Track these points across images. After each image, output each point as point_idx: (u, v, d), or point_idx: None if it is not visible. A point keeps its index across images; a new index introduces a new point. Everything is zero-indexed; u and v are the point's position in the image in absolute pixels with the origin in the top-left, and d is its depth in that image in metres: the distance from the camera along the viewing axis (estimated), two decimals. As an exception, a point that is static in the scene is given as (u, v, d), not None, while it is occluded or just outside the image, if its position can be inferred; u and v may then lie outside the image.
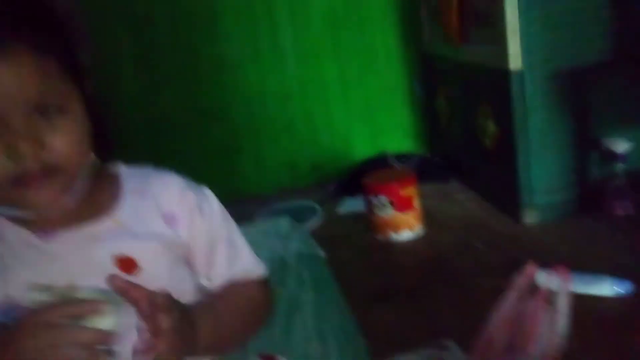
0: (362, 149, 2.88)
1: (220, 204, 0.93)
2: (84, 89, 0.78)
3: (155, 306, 0.70)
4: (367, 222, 2.25)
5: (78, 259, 0.78)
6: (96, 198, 0.82)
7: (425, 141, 2.92)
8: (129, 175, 0.88)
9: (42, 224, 0.78)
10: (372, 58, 2.82)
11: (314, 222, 2.41)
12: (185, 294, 0.82)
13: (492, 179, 2.25)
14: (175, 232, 0.87)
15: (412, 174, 2.21)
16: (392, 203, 2.12)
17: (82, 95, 0.77)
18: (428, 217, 2.24)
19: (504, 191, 2.16)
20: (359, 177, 2.62)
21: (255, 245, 0.94)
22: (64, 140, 0.74)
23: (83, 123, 0.77)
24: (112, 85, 2.53)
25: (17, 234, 0.78)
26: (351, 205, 2.55)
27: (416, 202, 2.16)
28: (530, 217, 2.08)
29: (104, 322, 0.69)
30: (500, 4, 1.89)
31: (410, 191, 2.13)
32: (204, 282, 0.90)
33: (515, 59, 1.90)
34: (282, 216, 2.00)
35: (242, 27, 2.70)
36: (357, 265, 2.07)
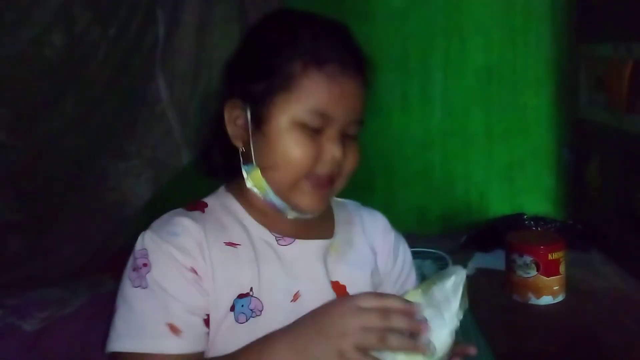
0: (497, 205, 2.81)
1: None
2: None
3: None
4: (503, 281, 2.18)
5: (304, 269, 0.86)
6: (319, 220, 0.90)
7: (567, 207, 2.81)
8: (338, 204, 0.98)
9: (278, 228, 0.88)
10: (521, 117, 2.78)
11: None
12: None
13: (647, 256, 2.12)
14: (377, 263, 0.95)
15: (561, 239, 2.12)
16: (537, 265, 2.04)
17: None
18: (569, 285, 2.14)
19: (659, 270, 2.04)
20: (494, 234, 2.56)
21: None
22: (354, 158, 0.86)
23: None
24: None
25: (259, 232, 0.87)
26: (483, 260, 2.48)
27: (562, 268, 2.07)
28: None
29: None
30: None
31: (558, 255, 2.05)
32: None
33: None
34: (426, 259, 1.98)
35: (395, 74, 2.75)
36: (492, 323, 1.99)
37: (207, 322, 0.80)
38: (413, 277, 1.01)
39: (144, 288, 0.79)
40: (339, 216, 0.95)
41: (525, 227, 2.58)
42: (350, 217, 0.96)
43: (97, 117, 1.77)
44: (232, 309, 0.81)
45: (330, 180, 0.84)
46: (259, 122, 0.83)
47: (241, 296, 0.82)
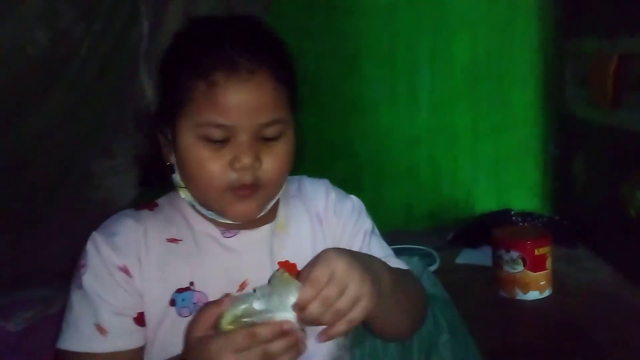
0: (484, 202, 2.83)
1: (363, 206, 0.99)
2: (296, 120, 0.87)
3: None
4: (490, 276, 2.19)
5: (250, 258, 0.87)
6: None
7: (553, 203, 2.83)
8: (289, 182, 0.95)
9: (226, 225, 0.88)
10: (507, 113, 2.80)
11: (432, 268, 2.36)
12: None
13: (632, 251, 2.14)
14: (323, 230, 0.93)
15: (547, 234, 2.13)
16: (524, 260, 2.05)
17: (295, 124, 0.86)
18: (556, 281, 2.15)
19: (644, 265, 2.05)
20: (481, 230, 2.57)
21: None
22: (277, 162, 0.82)
23: (293, 150, 0.85)
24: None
25: (204, 226, 0.88)
26: (470, 256, 2.50)
27: (549, 263, 2.09)
28: (671, 296, 1.96)
29: None
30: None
31: (544, 250, 2.06)
32: None
33: (680, 129, 1.83)
34: (413, 256, 1.98)
35: (382, 70, 2.75)
36: (479, 319, 1.99)
37: (139, 319, 0.83)
38: (376, 242, 0.96)
39: (80, 289, 0.83)
40: (283, 195, 0.93)
41: (512, 223, 2.59)
42: (291, 192, 0.95)
43: (82, 115, 1.75)
44: (173, 303, 0.83)
45: (252, 188, 0.81)
46: (173, 139, 0.83)
47: (180, 290, 0.83)
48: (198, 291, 0.83)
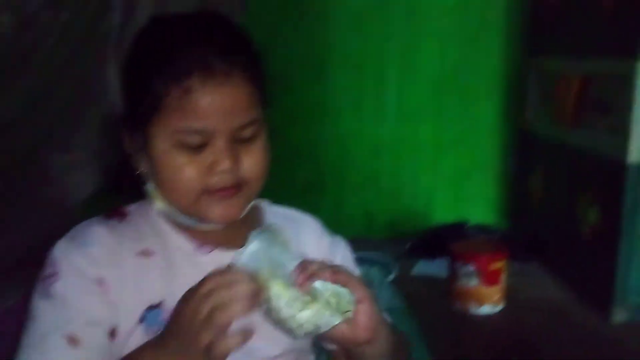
0: (442, 213, 2.86)
1: (352, 254, 1.00)
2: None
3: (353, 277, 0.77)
4: (445, 289, 2.21)
5: None
6: (242, 226, 0.86)
7: (509, 217, 2.88)
8: (272, 212, 0.96)
9: (199, 236, 0.86)
10: (469, 127, 2.83)
11: (389, 278, 2.37)
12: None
13: (584, 269, 2.19)
14: None
15: (503, 248, 2.16)
16: (479, 274, 2.08)
17: (266, 124, 0.85)
18: (509, 295, 2.18)
19: (594, 283, 2.10)
20: (436, 241, 2.60)
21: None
22: (255, 160, 0.82)
23: (267, 148, 0.85)
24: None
25: (177, 240, 0.85)
26: (426, 268, 2.52)
27: (503, 278, 2.12)
28: (619, 315, 2.01)
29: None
30: (628, 96, 1.88)
31: (499, 265, 2.09)
32: None
33: (636, 152, 1.87)
34: (373, 266, 1.99)
35: (349, 76, 2.75)
36: (433, 331, 2.01)
37: (112, 333, 0.80)
38: None
39: (48, 298, 0.78)
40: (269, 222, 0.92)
41: (468, 236, 2.62)
42: (281, 224, 0.91)
43: (44, 106, 1.70)
44: (142, 320, 0.80)
45: (235, 188, 0.81)
46: (144, 146, 0.81)
47: (151, 308, 0.81)
48: (168, 309, 0.79)
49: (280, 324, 0.73)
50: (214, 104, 0.77)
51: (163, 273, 0.82)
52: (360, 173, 2.83)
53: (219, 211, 0.81)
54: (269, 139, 0.85)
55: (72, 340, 0.76)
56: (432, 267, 2.48)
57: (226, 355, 0.68)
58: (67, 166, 1.71)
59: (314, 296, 0.72)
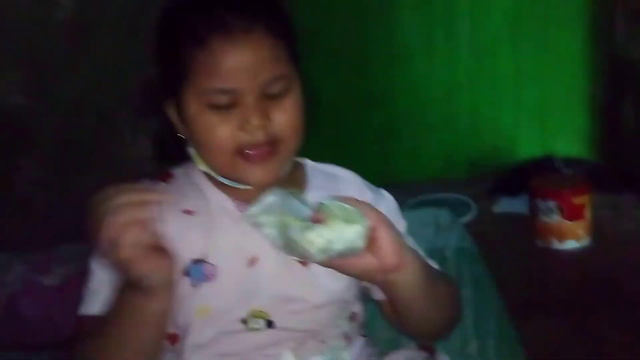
0: (527, 149, 2.74)
1: (397, 205, 0.96)
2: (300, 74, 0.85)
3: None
4: (527, 226, 2.15)
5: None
6: (284, 184, 0.85)
7: (600, 148, 2.73)
8: (314, 170, 0.95)
9: (241, 195, 0.86)
10: (552, 57, 2.67)
11: (467, 218, 2.33)
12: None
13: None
14: None
15: (586, 182, 2.07)
16: (561, 210, 2.00)
17: (299, 79, 0.84)
18: (597, 230, 2.09)
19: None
20: (522, 178, 2.51)
21: (413, 235, 0.93)
22: (288, 116, 0.82)
23: (301, 104, 0.84)
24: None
25: (219, 199, 0.87)
26: (509, 205, 2.45)
27: (587, 212, 2.03)
28: None
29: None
30: None
31: (583, 199, 2.01)
32: None
33: None
34: (441, 208, 1.96)
35: (419, 18, 2.66)
36: (513, 269, 1.98)
37: None
38: (411, 243, 0.93)
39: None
40: (313, 182, 0.92)
41: (555, 170, 2.52)
42: (324, 183, 0.92)
43: (113, 79, 1.81)
44: (187, 274, 0.83)
45: (270, 147, 0.81)
46: (180, 111, 0.83)
47: (195, 262, 0.83)
48: (210, 263, 0.83)
49: (298, 252, 0.74)
50: (235, 62, 0.78)
51: (205, 230, 0.85)
52: (436, 114, 2.76)
53: (255, 175, 0.82)
54: (304, 94, 0.85)
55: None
56: (514, 204, 2.42)
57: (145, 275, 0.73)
58: (140, 130, 1.82)
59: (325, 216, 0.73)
